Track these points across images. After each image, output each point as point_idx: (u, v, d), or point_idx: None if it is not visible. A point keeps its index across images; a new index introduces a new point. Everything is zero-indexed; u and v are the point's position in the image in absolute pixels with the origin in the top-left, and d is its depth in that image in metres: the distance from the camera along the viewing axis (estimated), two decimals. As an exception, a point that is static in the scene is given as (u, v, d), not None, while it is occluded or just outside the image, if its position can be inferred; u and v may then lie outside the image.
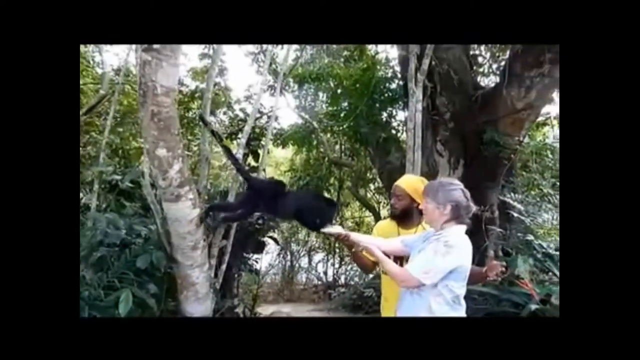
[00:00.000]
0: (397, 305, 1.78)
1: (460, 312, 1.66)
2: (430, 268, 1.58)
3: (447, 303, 1.62)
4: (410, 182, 2.03)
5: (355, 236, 1.88)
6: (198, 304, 2.87)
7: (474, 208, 1.72)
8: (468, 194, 1.71)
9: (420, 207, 1.82)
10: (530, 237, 3.68)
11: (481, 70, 6.39)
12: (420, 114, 4.58)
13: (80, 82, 6.11)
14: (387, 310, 2.00)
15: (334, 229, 2.01)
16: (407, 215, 2.00)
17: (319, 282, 8.93)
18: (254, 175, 3.84)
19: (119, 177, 3.48)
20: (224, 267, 3.66)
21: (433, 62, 4.98)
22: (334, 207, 2.47)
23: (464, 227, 1.68)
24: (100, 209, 3.89)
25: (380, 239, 1.90)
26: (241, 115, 6.77)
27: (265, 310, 5.88)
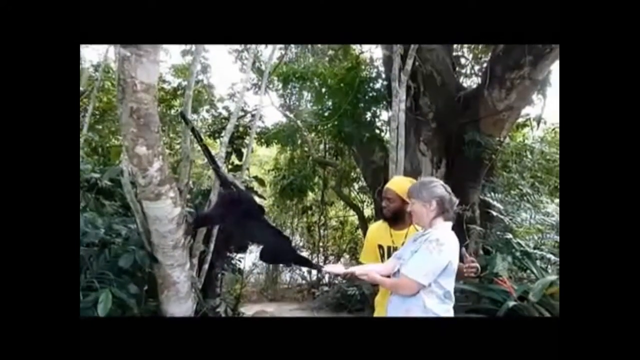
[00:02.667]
0: (387, 302, 1.81)
1: (450, 306, 1.70)
2: (428, 268, 1.62)
3: (439, 298, 1.66)
4: (400, 184, 2.05)
5: (358, 271, 1.86)
6: (179, 303, 2.83)
7: (457, 201, 1.77)
8: (449, 188, 1.78)
9: (407, 209, 1.85)
10: (509, 236, 3.77)
11: (464, 71, 6.50)
12: (404, 113, 4.63)
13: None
14: (382, 306, 2.03)
15: (336, 268, 2.00)
16: (398, 217, 2.02)
17: (303, 281, 8.92)
18: (238, 175, 3.81)
19: (97, 176, 3.38)
20: (206, 266, 3.62)
21: (417, 63, 5.04)
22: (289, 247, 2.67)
23: (450, 224, 1.74)
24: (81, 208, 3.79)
25: (380, 265, 1.93)
26: (224, 113, 6.71)
27: (248, 309, 5.83)
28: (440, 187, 1.75)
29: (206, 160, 3.26)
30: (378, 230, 2.11)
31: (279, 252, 2.49)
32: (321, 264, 9.25)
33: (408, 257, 1.73)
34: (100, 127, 5.58)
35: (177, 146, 5.78)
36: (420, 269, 1.62)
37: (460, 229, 4.22)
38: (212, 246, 3.57)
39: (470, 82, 6.55)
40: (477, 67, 6.68)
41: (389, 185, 2.08)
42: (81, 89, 4.41)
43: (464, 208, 4.45)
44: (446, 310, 1.68)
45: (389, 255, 2.01)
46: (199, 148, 3.37)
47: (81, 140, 3.87)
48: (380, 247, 2.06)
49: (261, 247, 2.61)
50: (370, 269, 1.86)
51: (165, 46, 5.29)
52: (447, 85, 5.46)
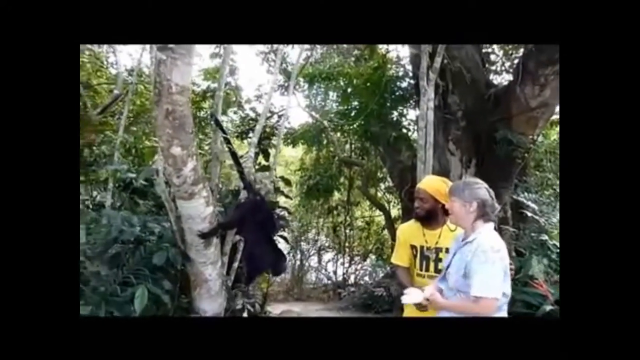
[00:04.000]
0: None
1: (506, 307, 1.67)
2: (498, 280, 1.55)
3: (503, 304, 1.63)
4: (433, 184, 2.02)
5: (439, 298, 1.71)
6: (211, 300, 2.90)
7: (498, 207, 1.72)
8: (492, 192, 1.72)
9: (446, 207, 1.81)
10: (545, 237, 3.63)
11: (494, 68, 6.31)
12: (432, 112, 4.55)
13: (95, 83, 6.22)
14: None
15: (414, 295, 1.73)
16: (432, 217, 1.99)
17: (329, 282, 8.92)
18: (267, 175, 3.86)
19: (133, 175, 3.52)
20: (235, 264, 3.69)
21: (445, 60, 4.94)
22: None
23: (492, 224, 1.69)
24: (114, 207, 3.95)
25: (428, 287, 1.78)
26: (251, 114, 6.81)
27: (275, 308, 5.89)
28: (483, 190, 1.69)
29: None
30: (410, 230, 2.09)
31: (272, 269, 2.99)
32: (347, 264, 9.26)
33: (458, 269, 1.65)
34: (134, 128, 5.78)
35: (206, 147, 5.91)
36: (492, 285, 1.54)
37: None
38: (242, 245, 3.62)
39: (501, 79, 6.35)
40: (507, 64, 6.47)
41: (421, 185, 2.05)
42: (116, 92, 4.59)
43: (495, 208, 4.33)
44: (505, 312, 1.65)
45: (422, 255, 1.98)
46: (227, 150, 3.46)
47: (117, 141, 4.03)
48: (413, 247, 2.03)
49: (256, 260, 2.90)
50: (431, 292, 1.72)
51: (198, 50, 5.42)
52: (477, 82, 5.32)
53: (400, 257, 2.11)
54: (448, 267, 1.75)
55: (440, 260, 1.96)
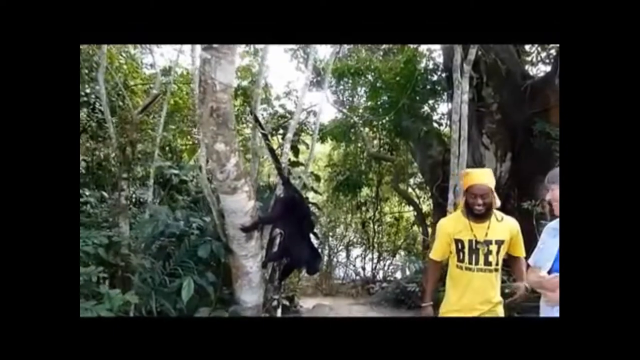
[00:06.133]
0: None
1: None
2: None
3: None
4: (489, 177, 1.98)
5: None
6: (251, 292, 2.98)
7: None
8: None
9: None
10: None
11: (529, 59, 6.12)
12: (466, 105, 4.47)
13: (131, 84, 6.46)
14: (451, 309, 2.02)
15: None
16: (490, 210, 1.96)
17: (357, 277, 8.94)
18: (300, 172, 3.92)
19: (176, 172, 3.65)
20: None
21: (479, 52, 4.83)
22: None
23: None
24: (154, 203, 4.11)
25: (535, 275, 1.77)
26: (280, 111, 6.89)
27: (306, 303, 5.97)
28: None
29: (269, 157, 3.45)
30: (455, 225, 2.05)
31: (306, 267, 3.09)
32: (375, 260, 9.24)
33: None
34: (173, 127, 5.98)
35: (239, 143, 6.03)
36: None
37: (530, 226, 4.01)
38: (278, 240, 3.70)
39: (537, 71, 6.15)
40: (543, 54, 6.26)
41: (479, 181, 1.95)
42: (154, 91, 4.77)
43: (533, 204, 4.21)
44: None
45: (470, 249, 1.96)
46: (261, 145, 3.54)
47: (157, 139, 4.19)
48: (458, 241, 2.01)
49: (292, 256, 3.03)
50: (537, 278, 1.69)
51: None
52: (513, 74, 5.19)
53: (441, 253, 2.10)
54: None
55: (491, 252, 1.94)
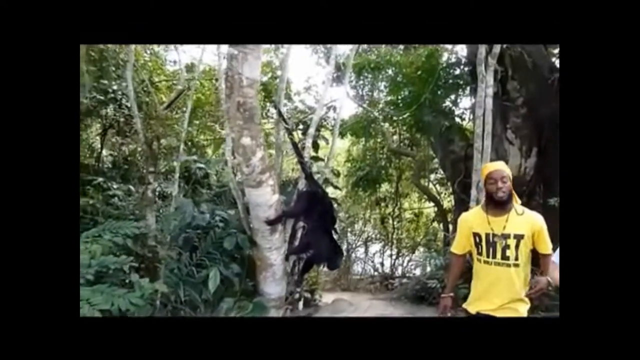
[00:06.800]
0: None
1: None
2: None
3: None
4: (503, 166, 2.02)
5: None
6: (275, 284, 3.03)
7: None
8: None
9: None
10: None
11: (556, 52, 5.94)
12: (491, 99, 4.39)
13: (156, 80, 6.61)
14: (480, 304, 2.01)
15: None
16: (510, 198, 1.96)
17: (376, 273, 8.93)
18: (322, 166, 3.94)
19: (202, 166, 3.73)
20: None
21: (504, 45, 4.72)
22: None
23: None
24: (179, 196, 4.21)
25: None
26: (301, 106, 6.91)
27: (326, 297, 6.01)
28: None
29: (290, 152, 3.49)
30: (474, 218, 2.06)
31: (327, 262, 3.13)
32: (394, 256, 9.20)
33: None
34: (197, 122, 6.09)
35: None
36: None
37: (556, 224, 3.92)
38: (299, 233, 3.74)
39: (564, 63, 5.97)
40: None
41: (498, 167, 2.00)
42: (179, 87, 4.87)
43: (559, 200, 4.12)
44: None
45: (487, 243, 1.95)
46: (284, 139, 3.58)
47: (182, 134, 4.28)
48: (476, 234, 2.01)
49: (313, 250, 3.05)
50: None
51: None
52: (539, 67, 5.06)
53: (461, 246, 2.12)
54: None
55: (509, 246, 1.93)
